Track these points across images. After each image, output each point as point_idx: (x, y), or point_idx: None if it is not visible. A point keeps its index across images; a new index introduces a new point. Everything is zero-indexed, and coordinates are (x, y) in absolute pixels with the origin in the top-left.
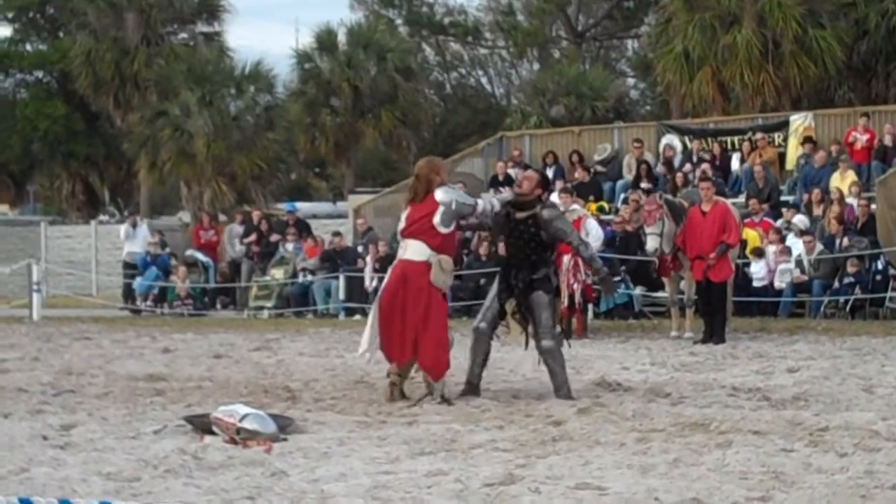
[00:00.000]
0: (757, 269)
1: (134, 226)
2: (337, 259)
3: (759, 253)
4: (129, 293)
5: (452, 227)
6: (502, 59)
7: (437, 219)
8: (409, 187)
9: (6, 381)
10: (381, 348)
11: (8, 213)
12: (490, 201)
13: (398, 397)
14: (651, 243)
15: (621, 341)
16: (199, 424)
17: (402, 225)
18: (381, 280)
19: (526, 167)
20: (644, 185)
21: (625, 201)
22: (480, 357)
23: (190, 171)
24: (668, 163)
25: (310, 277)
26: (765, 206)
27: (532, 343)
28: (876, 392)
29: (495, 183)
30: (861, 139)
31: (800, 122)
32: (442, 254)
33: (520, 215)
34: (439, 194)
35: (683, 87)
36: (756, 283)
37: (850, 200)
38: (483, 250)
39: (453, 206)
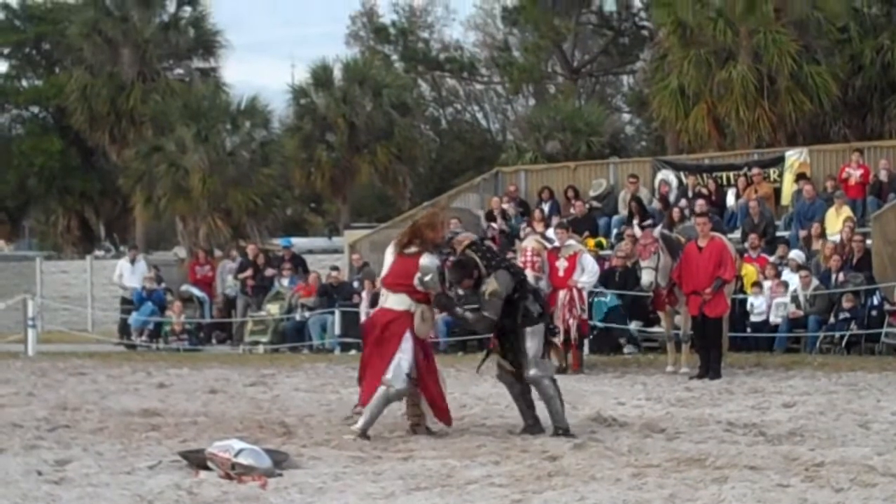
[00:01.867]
0: (758, 304)
1: (133, 261)
2: (333, 294)
3: (759, 286)
4: (125, 329)
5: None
6: (498, 95)
7: (415, 280)
8: (403, 233)
9: (1, 416)
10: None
11: (3, 249)
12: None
13: (424, 433)
14: (646, 277)
15: (617, 376)
16: (195, 460)
17: (385, 272)
18: None
19: (521, 203)
20: (636, 221)
21: (619, 236)
22: (519, 399)
23: (185, 206)
24: (664, 199)
25: (307, 314)
26: (761, 241)
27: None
28: (872, 427)
29: (490, 218)
30: (855, 175)
31: (795, 157)
32: (425, 304)
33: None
34: (424, 259)
35: (679, 122)
36: (756, 318)
37: (835, 237)
38: None
39: (425, 279)
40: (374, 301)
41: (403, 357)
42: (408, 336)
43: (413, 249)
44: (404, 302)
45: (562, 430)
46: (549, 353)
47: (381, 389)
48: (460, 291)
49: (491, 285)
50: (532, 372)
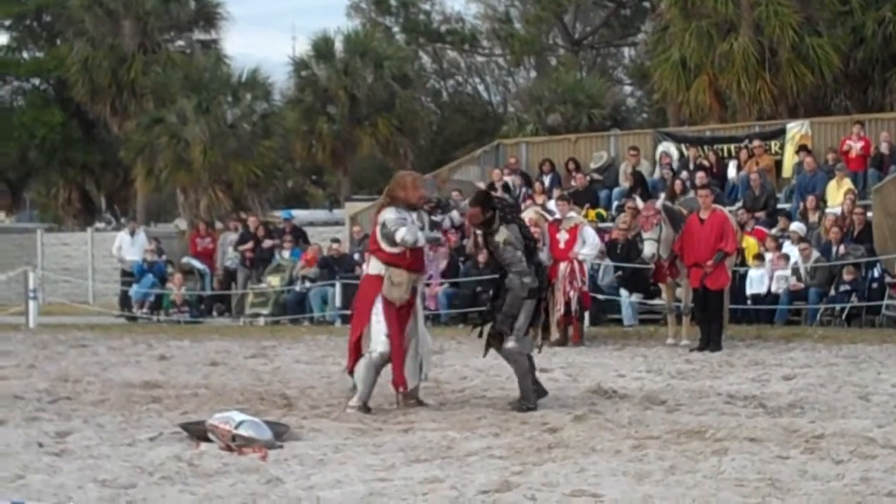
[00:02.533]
0: (757, 277)
1: (132, 233)
2: (334, 266)
3: (761, 258)
4: (125, 301)
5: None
6: (499, 67)
7: (378, 235)
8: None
9: (2, 388)
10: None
11: (4, 221)
12: (416, 235)
13: (415, 405)
14: (648, 249)
15: (617, 348)
16: (195, 431)
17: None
18: None
19: (523, 175)
20: (637, 192)
21: (620, 209)
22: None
23: (186, 178)
24: (672, 170)
25: (307, 284)
26: (761, 214)
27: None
28: (872, 399)
29: (506, 189)
30: (856, 147)
31: (796, 129)
32: (395, 267)
33: (483, 233)
34: (386, 212)
35: (680, 94)
36: (756, 290)
37: (836, 209)
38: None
39: (385, 228)
40: None
41: (376, 320)
42: (378, 299)
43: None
44: (378, 266)
45: (527, 408)
46: (540, 330)
47: (365, 357)
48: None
49: (503, 234)
50: (510, 345)
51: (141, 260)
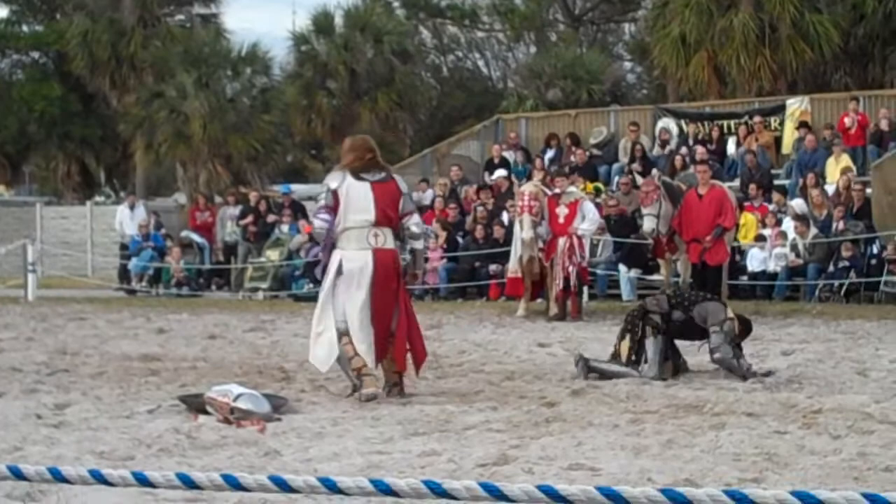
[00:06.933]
0: (760, 256)
1: (131, 207)
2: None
3: (762, 239)
4: (124, 274)
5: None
6: (499, 42)
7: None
8: None
9: (0, 360)
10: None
11: (3, 194)
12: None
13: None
14: (648, 224)
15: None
16: (193, 404)
17: None
18: None
19: (523, 150)
20: (636, 167)
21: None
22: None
23: (186, 152)
24: (665, 145)
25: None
26: (756, 191)
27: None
28: (869, 375)
29: (490, 166)
30: (854, 123)
31: (796, 106)
32: None
33: None
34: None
35: (680, 70)
36: (758, 269)
37: (831, 186)
38: (479, 233)
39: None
40: None
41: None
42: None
43: None
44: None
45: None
46: None
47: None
48: None
49: None
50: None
51: (136, 234)
